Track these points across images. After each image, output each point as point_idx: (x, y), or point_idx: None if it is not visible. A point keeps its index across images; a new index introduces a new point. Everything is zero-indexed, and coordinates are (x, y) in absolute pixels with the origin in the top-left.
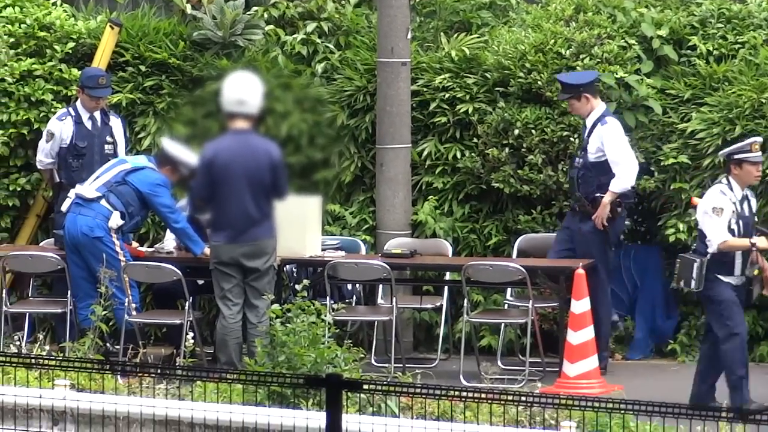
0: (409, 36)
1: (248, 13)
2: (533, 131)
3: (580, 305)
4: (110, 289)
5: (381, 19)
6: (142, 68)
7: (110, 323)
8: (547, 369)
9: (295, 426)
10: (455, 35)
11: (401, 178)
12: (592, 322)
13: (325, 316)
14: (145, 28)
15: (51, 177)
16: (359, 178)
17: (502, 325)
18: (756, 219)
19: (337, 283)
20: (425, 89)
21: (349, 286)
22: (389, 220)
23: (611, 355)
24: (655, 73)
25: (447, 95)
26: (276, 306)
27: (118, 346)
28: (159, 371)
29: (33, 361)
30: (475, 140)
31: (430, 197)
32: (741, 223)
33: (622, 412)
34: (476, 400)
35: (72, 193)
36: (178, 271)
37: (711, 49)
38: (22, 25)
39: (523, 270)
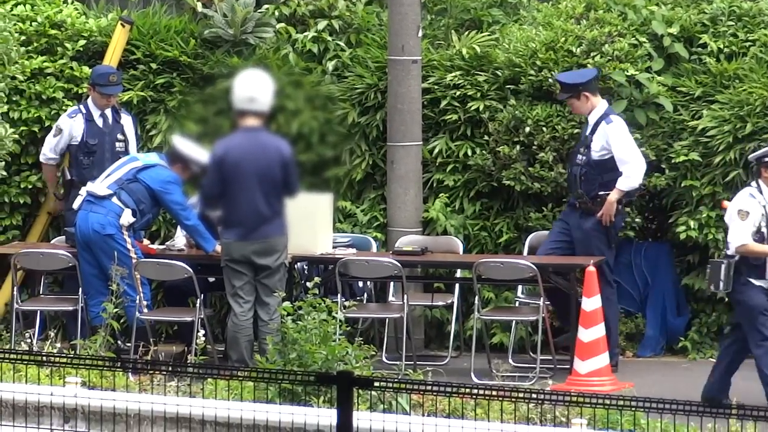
0: (420, 34)
1: (259, 11)
2: (544, 129)
3: (591, 302)
4: (121, 286)
5: (392, 17)
6: (153, 66)
7: (121, 321)
8: (558, 366)
9: (306, 423)
10: (466, 33)
11: (412, 175)
12: (603, 319)
13: (336, 313)
14: (156, 26)
15: (51, 174)
16: (370, 176)
17: (513, 322)
18: None
19: (348, 281)
20: (436, 87)
21: (360, 284)
22: (400, 218)
23: (622, 352)
24: (665, 71)
25: (458, 93)
26: (287, 303)
27: (129, 344)
28: (170, 369)
29: (44, 358)
30: (486, 138)
31: (441, 195)
32: None
33: (633, 409)
34: (487, 398)
35: (83, 191)
36: (190, 269)
37: (722, 46)
38: (33, 23)
39: (534, 267)
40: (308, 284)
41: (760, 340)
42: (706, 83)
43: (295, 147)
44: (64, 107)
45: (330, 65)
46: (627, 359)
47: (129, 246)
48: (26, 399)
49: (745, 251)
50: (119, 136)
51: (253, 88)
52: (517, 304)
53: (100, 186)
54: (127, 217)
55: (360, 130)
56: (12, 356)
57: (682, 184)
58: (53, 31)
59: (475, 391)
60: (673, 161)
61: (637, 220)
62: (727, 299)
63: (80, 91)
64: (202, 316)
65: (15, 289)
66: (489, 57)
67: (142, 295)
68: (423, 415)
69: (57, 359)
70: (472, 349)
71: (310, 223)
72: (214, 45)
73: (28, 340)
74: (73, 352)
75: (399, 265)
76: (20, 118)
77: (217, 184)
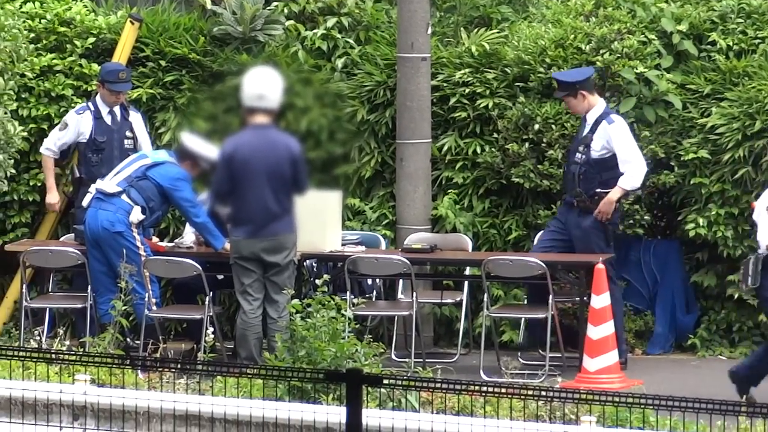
0: (429, 31)
1: (268, 8)
2: (553, 126)
3: (600, 300)
4: (130, 284)
5: (401, 14)
6: (162, 63)
7: (130, 318)
8: (567, 364)
9: (315, 421)
10: (475, 30)
11: (421, 173)
12: (612, 316)
13: (345, 311)
14: (165, 23)
15: (49, 166)
16: (379, 173)
17: (522, 319)
18: None
19: (357, 278)
20: (445, 84)
21: (369, 281)
22: (409, 215)
23: (631, 350)
24: (674, 68)
25: (467, 90)
26: (296, 301)
27: (138, 341)
28: (179, 366)
29: (53, 356)
30: (495, 135)
31: (450, 192)
32: None
33: (642, 406)
34: (496, 395)
35: (93, 188)
36: (198, 266)
37: (731, 44)
38: (43, 21)
39: (543, 265)
40: (317, 282)
41: None
42: (715, 80)
43: (305, 144)
44: (73, 105)
45: (339, 62)
46: (636, 356)
47: (138, 243)
48: (35, 396)
49: None
50: (128, 134)
51: (262, 85)
52: (526, 301)
53: (109, 183)
54: (136, 215)
55: (369, 127)
56: (21, 354)
57: (691, 182)
58: (62, 29)
59: (485, 388)
60: (682, 158)
61: (646, 217)
62: (736, 296)
63: (89, 89)
64: (211, 314)
65: (24, 286)
66: (498, 54)
67: (151, 292)
68: (432, 413)
69: (66, 357)
70: (482, 347)
71: (319, 221)
72: (223, 42)
73: (37, 338)
74: (82, 350)
75: (408, 262)
76: (29, 116)
77: (226, 182)
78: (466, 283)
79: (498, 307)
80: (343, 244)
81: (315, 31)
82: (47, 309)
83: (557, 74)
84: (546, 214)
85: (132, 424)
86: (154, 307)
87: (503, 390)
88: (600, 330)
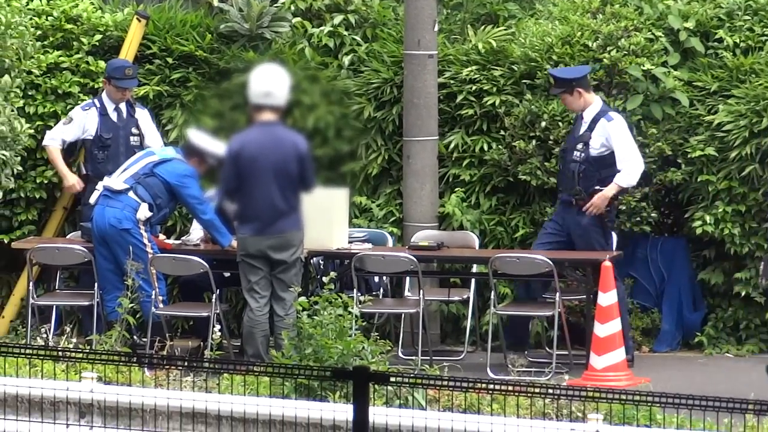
0: (436, 28)
1: (275, 5)
2: (560, 123)
3: (607, 297)
4: (137, 281)
5: (408, 11)
6: (169, 60)
7: (137, 316)
8: (574, 362)
9: (321, 418)
10: (482, 27)
11: (428, 170)
12: (619, 314)
13: (352, 308)
14: (171, 20)
15: (55, 154)
16: (386, 171)
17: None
18: None
19: (364, 276)
20: (452, 81)
21: (376, 279)
22: (416, 213)
23: (638, 347)
24: (681, 66)
25: (474, 87)
26: (303, 298)
27: (145, 339)
28: (186, 364)
29: (60, 353)
30: (502, 132)
31: (457, 189)
32: None
33: (649, 404)
34: (503, 393)
35: (100, 186)
36: (205, 264)
37: (738, 41)
38: (49, 18)
39: (550, 262)
40: (324, 279)
41: None
42: (722, 78)
43: (311, 142)
44: (79, 102)
45: (346, 60)
46: (643, 354)
47: (145, 241)
48: (42, 394)
49: None
50: (134, 130)
51: (269, 82)
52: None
53: (116, 180)
54: (143, 212)
55: (376, 124)
56: (28, 351)
57: (698, 179)
58: (69, 26)
59: (492, 386)
60: (689, 156)
61: (653, 214)
62: (743, 294)
63: (96, 86)
64: (217, 311)
65: (31, 284)
66: (505, 52)
67: (157, 290)
68: (439, 411)
69: (73, 354)
70: (488, 344)
71: (326, 218)
72: (230, 39)
73: (44, 335)
74: (89, 347)
75: (415, 260)
76: (36, 113)
77: (233, 179)
78: (473, 280)
79: (505, 305)
80: (349, 242)
81: (322, 28)
82: (54, 306)
83: (554, 71)
84: (553, 212)
85: (139, 422)
86: (161, 305)
87: (510, 388)
88: (607, 327)
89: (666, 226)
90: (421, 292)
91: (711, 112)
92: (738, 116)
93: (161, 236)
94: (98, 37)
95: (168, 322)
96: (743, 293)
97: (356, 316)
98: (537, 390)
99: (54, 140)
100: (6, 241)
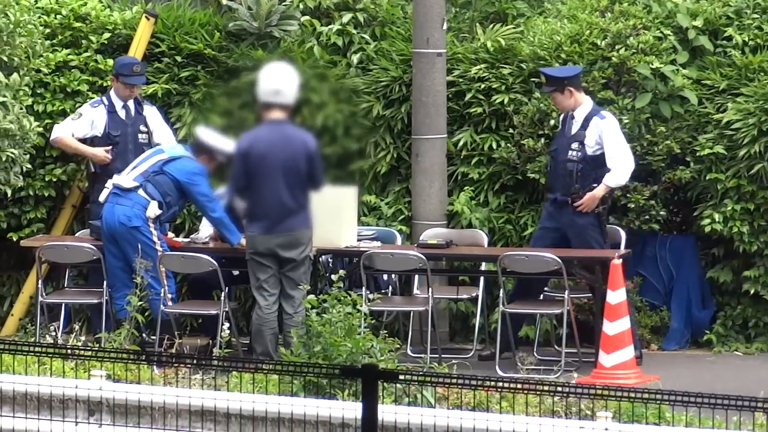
0: (445, 27)
1: (284, 3)
2: None
3: (616, 296)
4: (146, 279)
5: (416, 9)
6: (178, 59)
7: (146, 314)
8: (583, 360)
9: (330, 416)
10: (491, 26)
11: (437, 168)
12: (628, 312)
13: (361, 306)
14: (180, 18)
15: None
16: (395, 169)
17: (538, 315)
18: None
19: (372, 274)
20: (461, 80)
21: (385, 277)
22: (425, 211)
23: (647, 345)
24: (690, 64)
25: (482, 86)
26: (312, 296)
27: (153, 337)
28: (195, 362)
29: (69, 351)
30: (510, 131)
31: (465, 188)
32: None
33: (658, 402)
34: (512, 391)
35: (109, 183)
36: (214, 262)
37: (747, 39)
38: (58, 16)
39: (559, 260)
40: (333, 277)
41: None
42: (730, 76)
43: (320, 140)
44: (88, 100)
45: (355, 58)
46: (652, 352)
47: (155, 239)
48: (51, 392)
49: None
50: (142, 128)
51: (277, 80)
52: (541, 297)
53: (126, 178)
54: (153, 210)
55: (385, 123)
56: (37, 349)
57: (707, 177)
58: (78, 24)
59: (500, 384)
60: (697, 154)
61: (662, 213)
62: (752, 292)
63: (105, 84)
64: (226, 309)
65: (40, 282)
66: (514, 50)
67: (166, 288)
68: (448, 408)
69: (82, 352)
70: (497, 343)
71: (335, 216)
72: (238, 38)
73: (53, 333)
74: (97, 345)
75: (424, 258)
76: (45, 111)
77: (242, 177)
78: (481, 278)
79: (514, 303)
80: (358, 240)
81: (330, 26)
82: (63, 304)
83: (546, 69)
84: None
85: (147, 420)
86: (170, 303)
87: (519, 386)
88: (616, 325)
89: (675, 224)
90: (430, 290)
91: (720, 111)
92: (747, 114)
93: (170, 234)
94: (107, 35)
95: (177, 320)
96: (752, 291)
97: (365, 314)
98: (546, 388)
99: (64, 130)
100: (15, 239)
